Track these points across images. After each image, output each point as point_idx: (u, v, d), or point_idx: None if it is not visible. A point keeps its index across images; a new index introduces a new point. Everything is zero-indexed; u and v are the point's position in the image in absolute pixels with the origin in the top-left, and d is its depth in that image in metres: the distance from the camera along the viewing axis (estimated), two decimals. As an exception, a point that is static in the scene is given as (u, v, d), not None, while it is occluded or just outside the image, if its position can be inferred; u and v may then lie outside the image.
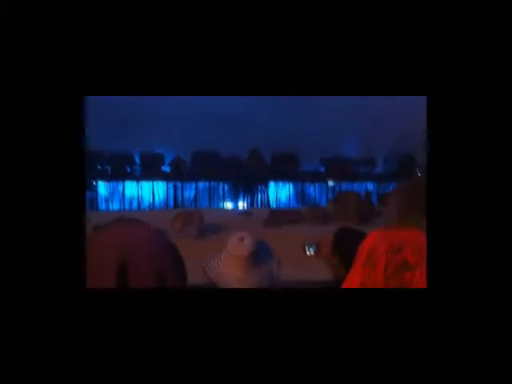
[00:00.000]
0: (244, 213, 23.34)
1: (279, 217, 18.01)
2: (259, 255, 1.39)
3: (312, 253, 1.60)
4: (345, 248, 1.61)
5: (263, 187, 46.46)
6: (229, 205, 44.80)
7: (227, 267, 1.35)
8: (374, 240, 1.25)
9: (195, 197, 46.64)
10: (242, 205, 44.24)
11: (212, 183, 46.48)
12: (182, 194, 46.60)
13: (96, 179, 45.88)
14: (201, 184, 46.87)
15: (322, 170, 48.55)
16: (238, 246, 1.35)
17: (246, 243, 1.36)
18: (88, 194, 46.12)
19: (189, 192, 47.23)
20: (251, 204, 44.30)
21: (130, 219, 0.97)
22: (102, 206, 46.11)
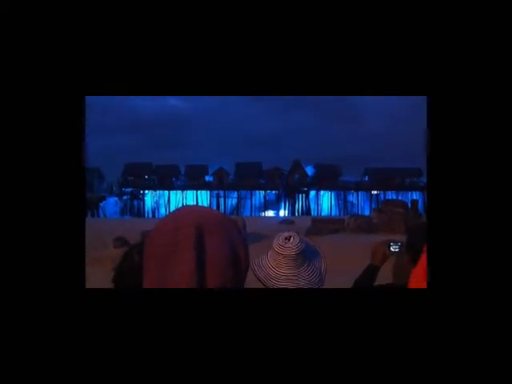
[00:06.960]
0: (286, 221, 23.19)
1: (321, 225, 17.68)
2: (306, 253, 1.38)
3: (397, 250, 1.63)
4: (418, 245, 1.63)
5: (304, 196, 45.98)
6: (270, 213, 44.69)
7: (276, 267, 1.36)
8: None
9: (237, 205, 47.09)
10: (283, 213, 44.00)
11: (254, 192, 46.74)
12: (224, 203, 47.21)
13: (143, 189, 47.52)
14: (243, 193, 47.24)
15: (366, 179, 47.37)
16: (286, 245, 1.35)
17: (293, 242, 1.35)
18: (135, 202, 47.93)
19: (231, 200, 47.79)
20: (292, 213, 43.97)
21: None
22: (149, 213, 47.64)
